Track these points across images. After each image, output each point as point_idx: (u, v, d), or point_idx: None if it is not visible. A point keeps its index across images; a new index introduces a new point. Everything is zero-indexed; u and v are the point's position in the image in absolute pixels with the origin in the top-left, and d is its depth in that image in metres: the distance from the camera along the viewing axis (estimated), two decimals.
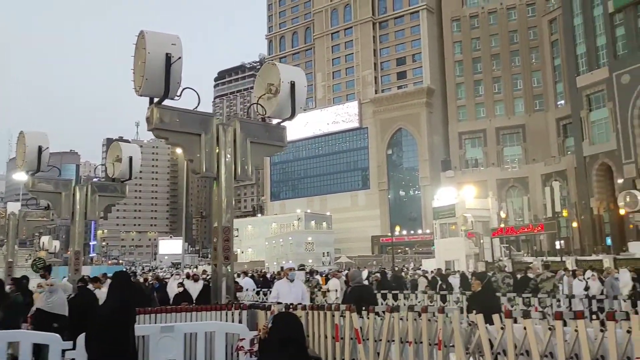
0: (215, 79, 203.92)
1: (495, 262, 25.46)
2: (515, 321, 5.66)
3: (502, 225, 46.56)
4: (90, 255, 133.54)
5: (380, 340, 6.55)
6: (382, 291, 16.59)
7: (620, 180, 56.61)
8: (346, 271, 18.38)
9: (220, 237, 9.20)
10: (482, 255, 40.02)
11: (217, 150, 9.37)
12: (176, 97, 8.70)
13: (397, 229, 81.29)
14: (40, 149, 14.18)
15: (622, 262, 29.83)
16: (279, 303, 8.12)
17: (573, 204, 63.86)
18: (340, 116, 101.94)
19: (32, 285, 11.61)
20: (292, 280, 9.81)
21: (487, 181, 75.97)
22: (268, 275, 24.58)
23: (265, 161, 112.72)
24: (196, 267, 57.76)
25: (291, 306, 7.70)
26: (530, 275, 14.45)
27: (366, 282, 19.42)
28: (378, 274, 21.34)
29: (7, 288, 10.51)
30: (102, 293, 9.27)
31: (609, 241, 58.57)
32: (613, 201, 57.54)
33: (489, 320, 5.69)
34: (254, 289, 18.88)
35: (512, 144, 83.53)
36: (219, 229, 9.24)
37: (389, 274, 22.35)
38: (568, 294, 14.29)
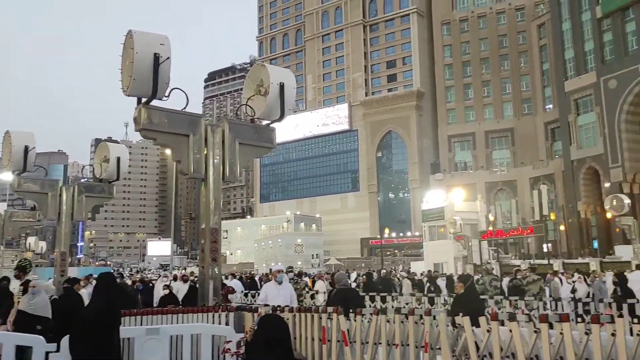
0: (206, 80, 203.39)
1: (482, 265, 25.58)
2: (502, 324, 5.68)
3: (491, 228, 46.82)
4: (78, 256, 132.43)
5: (367, 342, 6.55)
6: (369, 293, 16.60)
7: (607, 184, 57.18)
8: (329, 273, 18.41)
9: (207, 238, 9.15)
10: (470, 257, 40.18)
11: (206, 151, 9.32)
12: (164, 98, 8.64)
13: (387, 231, 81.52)
14: (26, 149, 14.03)
15: (608, 266, 30.12)
16: (266, 305, 8.10)
17: (560, 208, 64.40)
18: (331, 118, 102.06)
19: (13, 286, 11.48)
20: (280, 283, 9.77)
21: (476, 184, 76.44)
22: (257, 278, 24.49)
23: (255, 163, 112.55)
24: (185, 269, 57.44)
25: (278, 308, 7.67)
26: (519, 277, 14.51)
27: (354, 284, 19.45)
28: (364, 277, 21.37)
29: None
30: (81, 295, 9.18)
31: (595, 244, 59.10)
32: (600, 205, 58.10)
33: (472, 323, 5.71)
34: (242, 291, 18.81)
35: (500, 147, 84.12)
36: (207, 230, 9.18)
37: (375, 276, 22.38)
38: (554, 296, 14.39)
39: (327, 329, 6.90)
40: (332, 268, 58.98)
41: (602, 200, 56.11)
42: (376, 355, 6.48)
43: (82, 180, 21.00)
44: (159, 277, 22.04)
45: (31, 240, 43.75)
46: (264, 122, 10.28)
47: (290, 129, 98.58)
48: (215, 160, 9.38)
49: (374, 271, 27.01)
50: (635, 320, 5.01)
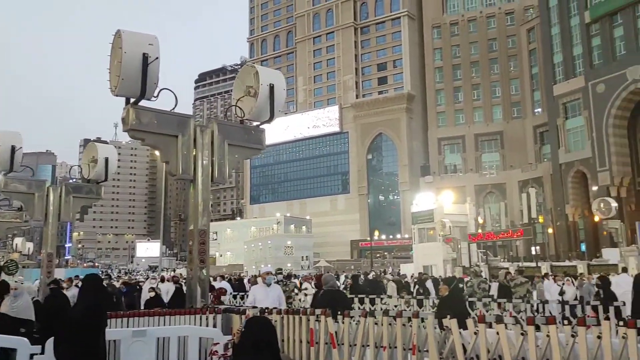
0: (196, 81, 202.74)
1: (471, 267, 25.69)
2: (490, 326, 5.70)
3: (480, 231, 47.02)
4: (66, 257, 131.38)
5: (355, 345, 6.54)
6: (358, 295, 16.60)
7: (594, 188, 57.67)
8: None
9: (196, 240, 9.10)
10: (459, 260, 40.31)
11: (195, 152, 9.28)
12: (153, 98, 8.60)
13: (376, 233, 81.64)
14: (13, 149, 13.91)
15: (595, 268, 30.34)
16: (254, 307, 8.06)
17: (549, 211, 64.86)
18: (321, 120, 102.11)
19: None
20: (269, 285, 9.73)
21: (466, 187, 76.86)
22: (246, 280, 24.40)
23: (245, 164, 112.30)
24: (174, 270, 57.10)
25: (266, 310, 7.64)
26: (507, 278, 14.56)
27: (342, 287, 19.45)
28: (350, 279, 21.44)
29: None
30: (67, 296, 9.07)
31: (583, 247, 59.57)
32: (588, 208, 58.56)
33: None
34: (230, 293, 18.72)
35: (490, 150, 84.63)
36: (195, 232, 9.14)
37: (362, 279, 22.41)
38: (540, 298, 14.47)
39: (315, 331, 6.89)
40: (321, 270, 58.91)
41: (589, 203, 56.55)
42: (364, 357, 6.47)
43: (71, 180, 20.80)
44: (147, 278, 21.87)
45: (18, 241, 43.25)
46: (254, 124, 10.25)
47: (280, 130, 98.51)
48: (204, 161, 9.34)
49: (360, 274, 27.06)
50: (621, 323, 5.04)
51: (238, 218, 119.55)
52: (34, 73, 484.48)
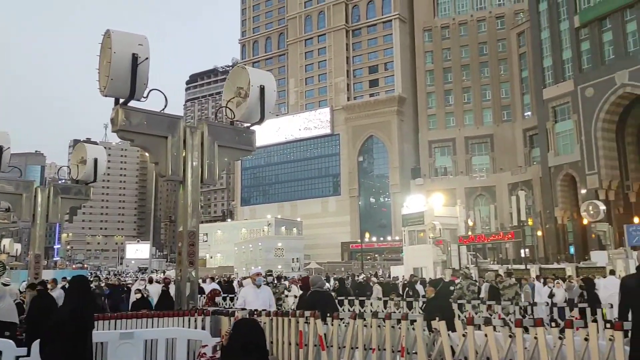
0: (187, 82, 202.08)
1: (461, 270, 25.78)
2: (479, 328, 5.72)
3: (470, 233, 47.20)
4: (54, 259, 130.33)
5: (344, 347, 6.53)
6: (345, 297, 16.63)
7: (583, 191, 58.08)
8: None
9: (185, 241, 9.05)
10: (449, 262, 40.45)
11: (184, 154, 9.23)
12: (142, 99, 8.55)
13: (367, 235, 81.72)
14: (1, 149, 13.77)
15: (584, 271, 30.53)
16: (243, 309, 8.02)
17: (538, 213, 65.26)
18: (312, 122, 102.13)
19: None
20: (259, 286, 9.69)
21: (456, 189, 77.20)
22: (235, 282, 24.32)
23: (236, 166, 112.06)
24: (163, 272, 56.74)
25: (255, 312, 7.61)
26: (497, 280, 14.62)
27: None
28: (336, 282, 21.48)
29: None
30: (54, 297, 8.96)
31: (572, 250, 59.96)
32: (576, 211, 58.99)
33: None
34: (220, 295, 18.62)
35: (480, 153, 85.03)
36: (184, 233, 9.09)
37: (350, 281, 22.49)
38: (528, 300, 14.55)
39: (304, 334, 6.87)
40: (312, 272, 58.90)
41: (578, 206, 56.98)
42: (353, 359, 6.46)
43: (60, 181, 20.64)
44: (136, 280, 21.73)
45: (6, 242, 42.87)
46: (244, 125, 10.23)
47: (272, 132, 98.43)
48: (194, 163, 9.30)
49: (348, 276, 27.17)
50: (608, 325, 5.08)
51: (229, 220, 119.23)
52: (27, 73, 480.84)
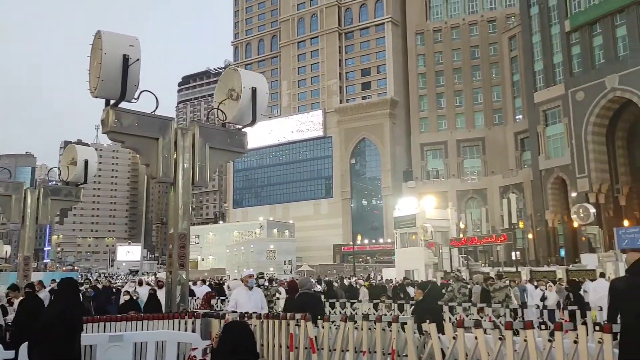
0: (180, 84, 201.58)
1: (452, 272, 25.86)
2: (470, 331, 5.72)
3: (462, 236, 47.41)
4: (45, 261, 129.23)
5: (335, 349, 6.52)
6: (332, 300, 16.62)
7: (573, 194, 58.45)
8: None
9: (176, 243, 9.02)
10: (441, 265, 40.59)
11: (175, 155, 9.20)
12: (133, 100, 8.52)
13: (359, 238, 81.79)
14: None
15: (574, 274, 30.71)
16: (233, 312, 7.99)
17: (529, 216, 65.58)
18: (305, 125, 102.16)
19: None
20: (250, 288, 9.65)
21: (448, 192, 77.49)
22: (226, 285, 24.23)
23: (228, 168, 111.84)
24: (155, 274, 56.49)
25: (246, 315, 7.58)
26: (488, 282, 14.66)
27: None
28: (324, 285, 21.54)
29: None
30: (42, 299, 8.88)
31: (562, 253, 60.30)
32: (567, 214, 59.35)
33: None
34: None
35: (472, 156, 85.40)
36: (175, 235, 9.06)
37: (337, 284, 22.54)
38: (518, 303, 14.62)
39: (294, 336, 6.85)
40: (304, 274, 58.86)
41: (569, 209, 57.36)
42: None
43: (51, 183, 20.50)
44: (127, 282, 21.60)
45: None
46: (236, 127, 10.21)
47: (264, 134, 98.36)
48: (185, 165, 9.27)
49: (337, 279, 27.30)
50: (597, 328, 5.10)
51: (221, 222, 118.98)
52: (18, 73, 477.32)
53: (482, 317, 11.28)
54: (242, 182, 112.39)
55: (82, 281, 27.09)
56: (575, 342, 4.99)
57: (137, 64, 8.18)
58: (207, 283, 22.81)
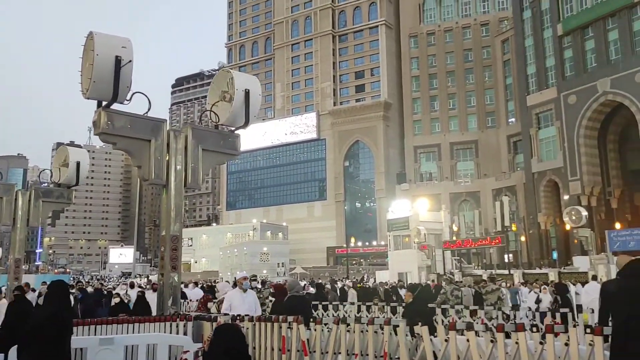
0: (173, 86, 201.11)
1: (445, 275, 25.91)
2: (462, 333, 5.73)
3: (455, 238, 47.50)
4: (36, 263, 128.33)
5: (327, 352, 6.50)
6: (323, 302, 16.62)
7: (566, 197, 58.73)
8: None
9: (168, 246, 8.98)
10: (434, 267, 40.64)
11: (168, 157, 9.16)
12: (126, 102, 8.48)
13: (353, 240, 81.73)
14: None
15: (566, 276, 30.82)
16: (225, 314, 7.96)
17: (522, 219, 65.84)
18: (299, 127, 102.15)
19: None
20: (245, 290, 9.63)
21: (441, 194, 77.68)
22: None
23: (221, 170, 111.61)
24: (147, 277, 56.26)
25: (238, 317, 7.56)
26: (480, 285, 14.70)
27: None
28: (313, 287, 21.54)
29: None
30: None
31: (555, 255, 60.55)
32: (559, 216, 59.61)
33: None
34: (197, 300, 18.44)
35: (465, 159, 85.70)
36: (167, 237, 9.02)
37: (329, 287, 22.55)
38: (509, 306, 14.66)
39: (287, 339, 6.83)
40: (297, 277, 58.79)
41: (561, 212, 57.61)
42: None
43: (43, 185, 20.37)
44: (119, 285, 21.46)
45: None
46: (229, 129, 10.18)
47: (258, 136, 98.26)
48: (178, 167, 9.23)
49: (328, 282, 27.36)
50: (588, 330, 5.12)
51: (214, 224, 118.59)
52: (10, 74, 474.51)
53: (474, 320, 11.30)
54: (235, 184, 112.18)
55: (75, 284, 26.89)
56: (567, 344, 5.00)
57: (129, 66, 8.14)
58: (200, 285, 22.71)
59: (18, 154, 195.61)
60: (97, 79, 7.89)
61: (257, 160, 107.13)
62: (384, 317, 13.86)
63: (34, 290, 14.90)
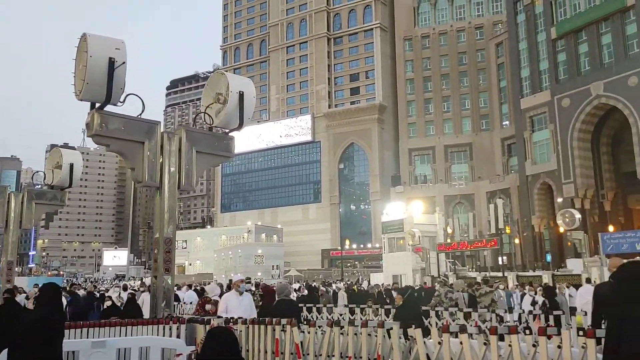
0: (168, 88, 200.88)
1: (439, 277, 25.93)
2: (456, 336, 5.73)
3: (449, 240, 47.53)
4: (30, 265, 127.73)
5: (321, 355, 6.49)
6: (315, 305, 16.58)
7: (559, 199, 58.96)
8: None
9: (161, 248, 8.93)
10: (428, 269, 40.65)
11: (161, 159, 9.12)
12: (119, 103, 8.45)
13: (347, 242, 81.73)
14: None
15: (560, 279, 30.92)
16: (218, 317, 7.93)
17: (516, 221, 66.00)
18: (294, 129, 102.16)
19: None
20: (241, 293, 9.60)
21: (435, 197, 77.84)
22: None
23: (216, 172, 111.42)
24: (141, 279, 56.01)
25: (231, 320, 7.53)
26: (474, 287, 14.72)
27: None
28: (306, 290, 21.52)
29: None
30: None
31: (549, 258, 60.73)
32: (553, 219, 59.79)
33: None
34: (191, 303, 18.38)
35: (459, 161, 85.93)
36: (161, 239, 8.97)
37: (323, 289, 22.56)
38: (505, 308, 14.69)
39: (280, 342, 6.82)
40: (292, 279, 58.71)
41: (555, 214, 57.78)
42: None
43: (36, 187, 20.27)
44: (112, 287, 21.35)
45: None
46: (223, 131, 10.16)
47: (253, 139, 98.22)
48: (171, 169, 9.20)
49: (320, 284, 27.43)
50: (581, 333, 5.13)
51: (208, 226, 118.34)
52: (3, 75, 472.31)
53: (468, 323, 11.30)
54: (230, 187, 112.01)
55: (69, 286, 26.75)
56: (559, 347, 5.01)
57: (123, 67, 8.11)
58: (193, 288, 22.63)
59: (11, 155, 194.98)
60: (90, 81, 7.85)
61: (252, 162, 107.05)
62: (377, 319, 13.84)
63: (26, 292, 14.80)
